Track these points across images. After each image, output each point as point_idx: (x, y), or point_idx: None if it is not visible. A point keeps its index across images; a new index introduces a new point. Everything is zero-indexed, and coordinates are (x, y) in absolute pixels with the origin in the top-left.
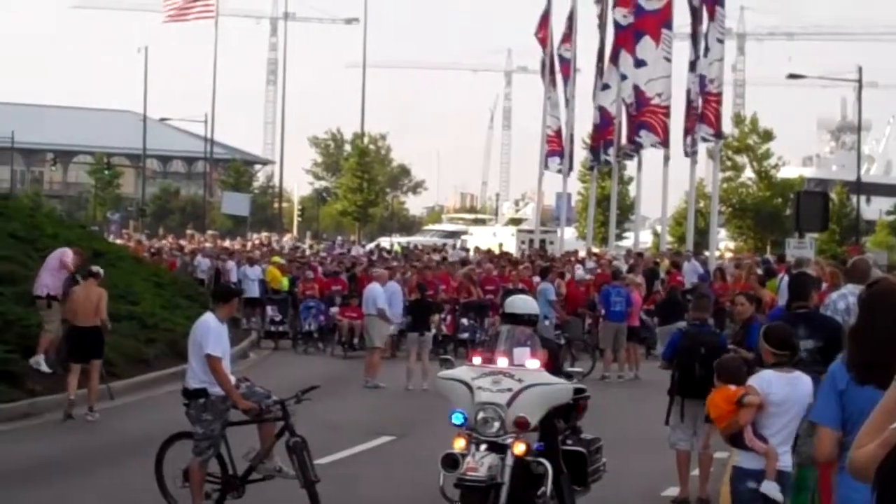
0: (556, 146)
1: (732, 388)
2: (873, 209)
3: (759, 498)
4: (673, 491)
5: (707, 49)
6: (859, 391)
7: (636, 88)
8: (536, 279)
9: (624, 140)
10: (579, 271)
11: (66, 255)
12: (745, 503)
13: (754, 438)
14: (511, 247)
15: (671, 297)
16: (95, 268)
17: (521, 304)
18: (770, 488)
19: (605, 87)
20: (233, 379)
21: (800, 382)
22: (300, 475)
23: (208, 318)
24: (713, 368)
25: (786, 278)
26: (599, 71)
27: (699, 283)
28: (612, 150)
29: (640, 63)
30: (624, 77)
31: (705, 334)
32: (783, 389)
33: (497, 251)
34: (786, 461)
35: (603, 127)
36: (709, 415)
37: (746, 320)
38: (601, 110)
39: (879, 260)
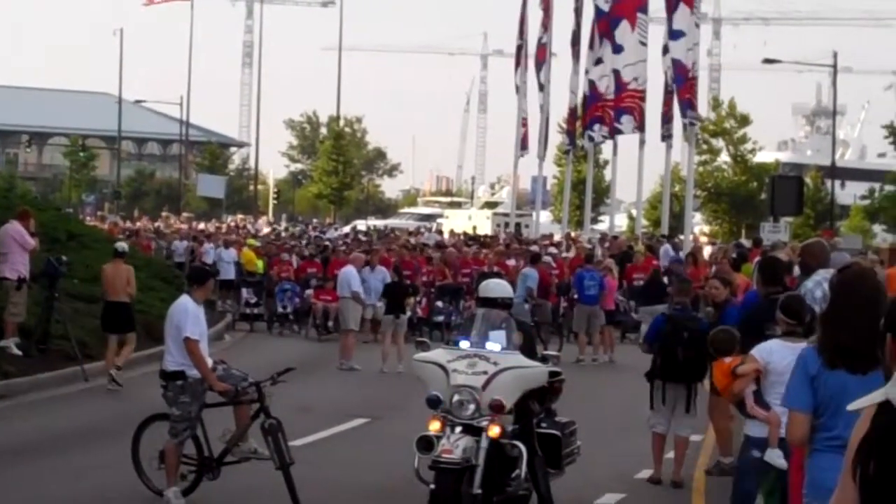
0: (525, 135)
1: (727, 360)
2: (847, 194)
3: (763, 466)
4: (647, 473)
5: (680, 33)
6: (830, 375)
7: (615, 73)
8: (511, 261)
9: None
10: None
11: (22, 237)
12: (751, 472)
13: (755, 406)
14: (486, 230)
15: (653, 278)
16: (121, 246)
17: (496, 287)
18: (773, 456)
19: (598, 61)
20: (209, 361)
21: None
22: (275, 457)
23: (185, 301)
24: (696, 352)
25: None
26: (575, 55)
27: (674, 265)
28: (597, 128)
29: (618, 49)
30: (598, 61)
31: (688, 319)
32: (786, 358)
33: (472, 234)
34: None
35: (591, 102)
36: (715, 388)
37: (721, 303)
38: (591, 85)
39: (853, 244)
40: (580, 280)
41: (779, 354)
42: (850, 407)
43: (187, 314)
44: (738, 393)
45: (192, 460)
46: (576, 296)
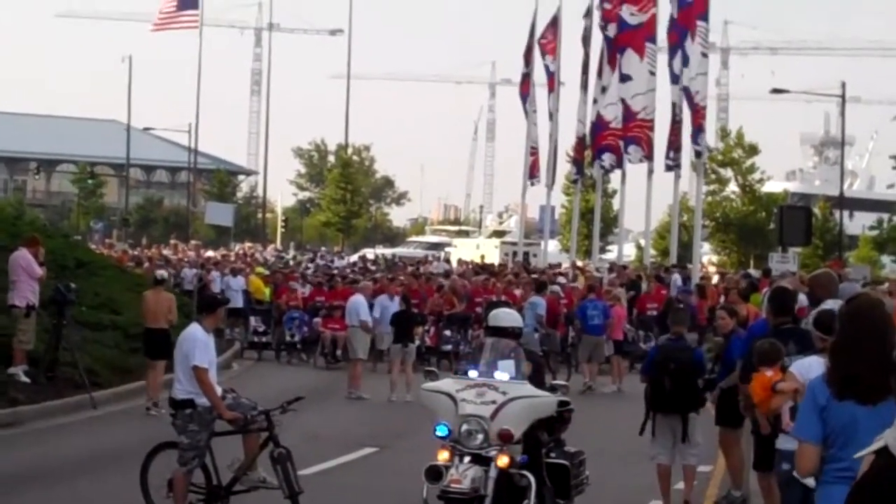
0: (538, 160)
1: (769, 373)
2: (856, 224)
3: (793, 480)
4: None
5: (687, 59)
6: (839, 406)
7: (623, 102)
8: (518, 291)
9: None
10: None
11: (30, 265)
12: (783, 484)
13: (791, 423)
14: (494, 259)
15: (668, 307)
16: (160, 274)
17: (506, 316)
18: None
19: (604, 90)
20: (219, 390)
21: None
22: (284, 486)
23: (195, 329)
24: (683, 383)
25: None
26: (584, 84)
27: (679, 295)
28: (606, 157)
29: (625, 77)
30: (604, 90)
31: (678, 349)
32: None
33: (481, 263)
34: None
35: (598, 131)
36: (749, 403)
37: (727, 334)
38: (598, 115)
39: (861, 275)
40: (583, 311)
41: (818, 372)
42: (857, 455)
43: (196, 342)
44: (775, 409)
45: (201, 489)
46: (579, 326)
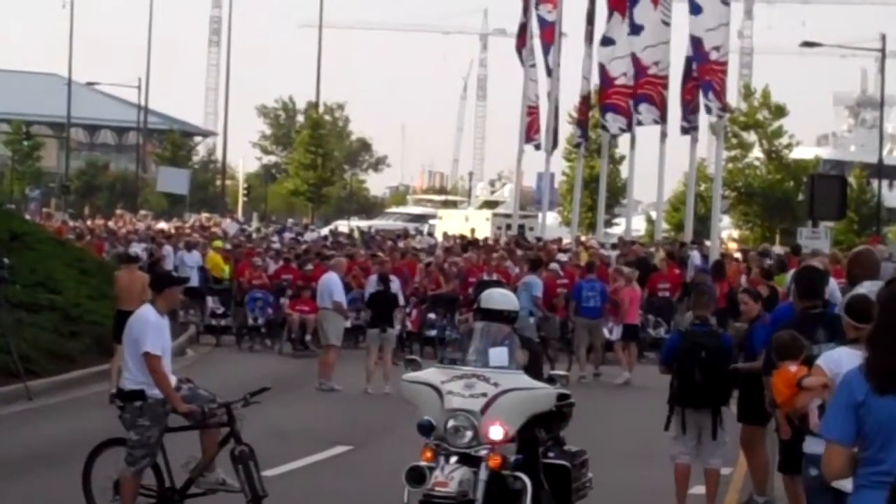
0: (536, 120)
1: (793, 368)
2: None
3: (826, 485)
4: None
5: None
6: (879, 402)
7: (633, 57)
8: (511, 266)
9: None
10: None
11: None
12: (811, 491)
13: (819, 423)
14: (486, 233)
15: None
16: (134, 251)
17: (500, 298)
18: (842, 481)
19: (608, 41)
20: (173, 379)
21: None
22: (246, 488)
23: (146, 311)
24: (716, 373)
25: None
26: (589, 35)
27: (700, 276)
28: (610, 116)
29: (636, 28)
30: (608, 41)
31: (706, 335)
32: None
33: (470, 238)
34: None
35: (604, 89)
36: (773, 401)
37: (751, 320)
38: (601, 69)
39: None
40: (578, 291)
41: (849, 365)
42: None
43: (147, 326)
44: (801, 408)
45: (152, 491)
46: (574, 308)
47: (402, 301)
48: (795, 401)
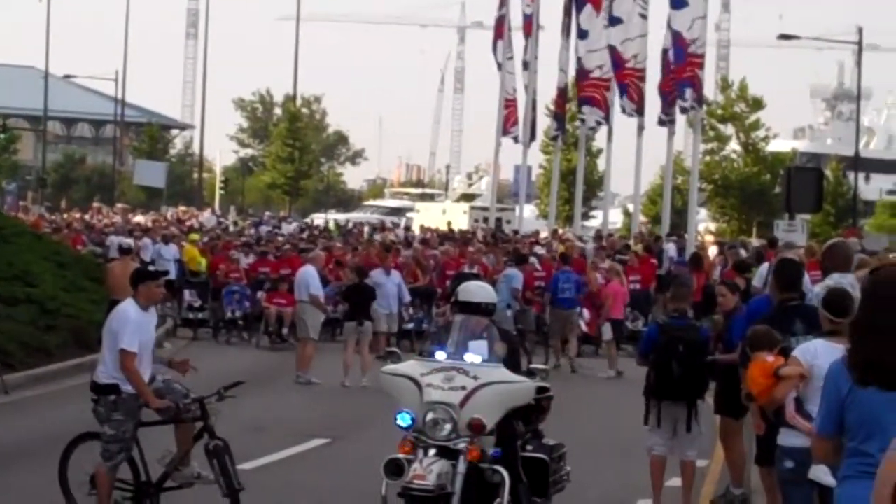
0: (515, 112)
1: (770, 358)
2: (872, 188)
3: (802, 478)
4: (645, 503)
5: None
6: (862, 394)
7: (612, 49)
8: (489, 260)
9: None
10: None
11: None
12: (787, 484)
13: (796, 415)
14: (463, 226)
15: (666, 280)
16: (126, 243)
17: (478, 290)
18: (818, 473)
19: (583, 34)
20: (148, 373)
21: None
22: (222, 482)
23: (127, 307)
24: (693, 366)
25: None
26: (565, 28)
27: (678, 268)
28: (587, 109)
29: (614, 20)
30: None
31: (684, 328)
32: (832, 360)
33: (448, 230)
34: None
35: (580, 81)
36: (749, 394)
37: (728, 312)
38: (578, 61)
39: (878, 245)
40: (555, 282)
41: (824, 357)
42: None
43: (127, 322)
44: (780, 398)
45: (128, 485)
46: (549, 299)
47: (407, 297)
48: (774, 391)
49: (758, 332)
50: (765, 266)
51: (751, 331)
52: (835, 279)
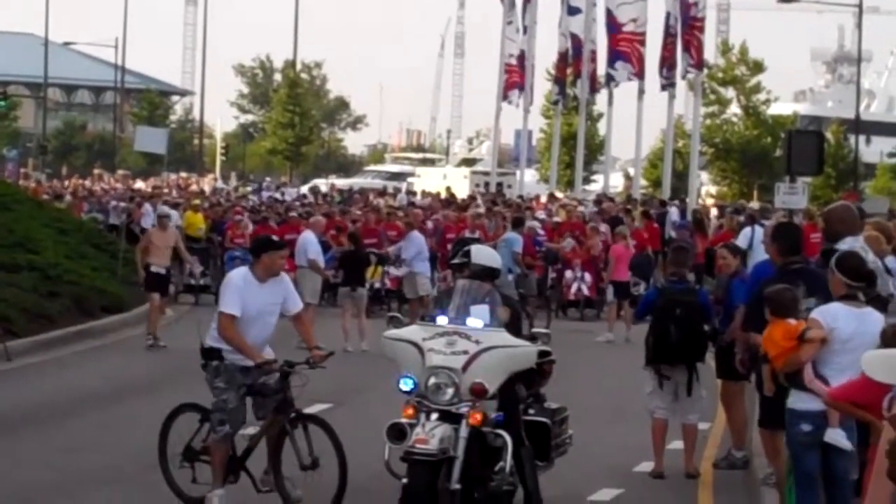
0: (516, 77)
1: (792, 322)
2: (873, 151)
3: (816, 443)
4: (646, 466)
5: None
6: None
7: (608, 13)
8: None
9: (602, 69)
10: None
11: None
12: (801, 447)
13: (815, 379)
14: (464, 191)
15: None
16: (163, 210)
17: (489, 254)
18: (836, 436)
19: (575, 10)
20: (262, 349)
21: (870, 318)
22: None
23: (236, 272)
24: (692, 329)
25: (758, 229)
26: None
27: (679, 232)
28: (580, 83)
29: None
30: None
31: (683, 292)
32: (851, 324)
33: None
34: None
35: (574, 57)
36: (766, 355)
37: (729, 276)
38: (572, 38)
39: (879, 207)
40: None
41: (844, 321)
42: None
43: (228, 285)
44: (804, 360)
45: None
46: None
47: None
48: (799, 353)
49: (785, 299)
50: (748, 229)
51: (770, 293)
52: (848, 242)
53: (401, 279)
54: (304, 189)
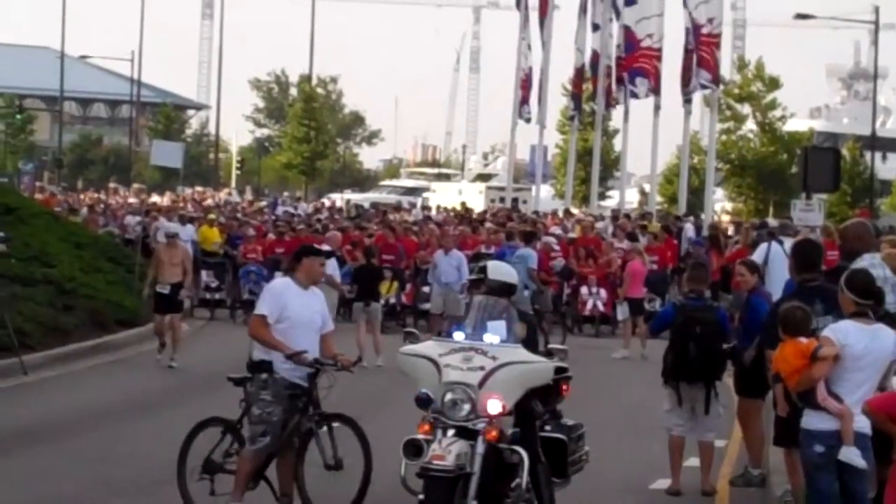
0: (525, 92)
1: (804, 340)
2: (889, 168)
3: (831, 463)
4: (663, 483)
5: None
6: None
7: (626, 29)
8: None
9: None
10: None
11: None
12: (815, 468)
13: (828, 397)
14: (479, 206)
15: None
16: (173, 228)
17: (507, 270)
18: (850, 455)
19: (596, 27)
20: (309, 355)
21: (881, 335)
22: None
23: (277, 279)
24: (710, 347)
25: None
26: (583, 7)
27: (695, 248)
28: (639, 80)
29: (630, 1)
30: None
31: (701, 309)
32: (862, 342)
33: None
34: (863, 422)
35: (591, 72)
36: (778, 374)
37: (749, 293)
38: (626, 31)
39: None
40: (501, 257)
41: (855, 338)
42: None
43: (266, 290)
44: (817, 379)
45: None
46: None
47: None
48: (811, 371)
49: (796, 317)
50: (764, 245)
51: (787, 312)
52: (867, 260)
53: (426, 295)
54: (308, 207)
